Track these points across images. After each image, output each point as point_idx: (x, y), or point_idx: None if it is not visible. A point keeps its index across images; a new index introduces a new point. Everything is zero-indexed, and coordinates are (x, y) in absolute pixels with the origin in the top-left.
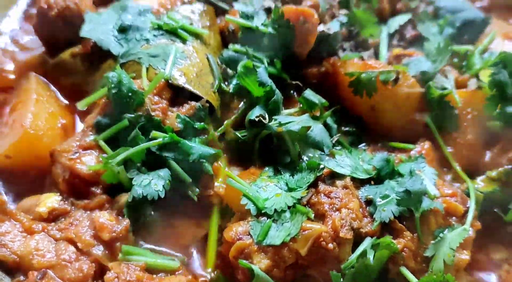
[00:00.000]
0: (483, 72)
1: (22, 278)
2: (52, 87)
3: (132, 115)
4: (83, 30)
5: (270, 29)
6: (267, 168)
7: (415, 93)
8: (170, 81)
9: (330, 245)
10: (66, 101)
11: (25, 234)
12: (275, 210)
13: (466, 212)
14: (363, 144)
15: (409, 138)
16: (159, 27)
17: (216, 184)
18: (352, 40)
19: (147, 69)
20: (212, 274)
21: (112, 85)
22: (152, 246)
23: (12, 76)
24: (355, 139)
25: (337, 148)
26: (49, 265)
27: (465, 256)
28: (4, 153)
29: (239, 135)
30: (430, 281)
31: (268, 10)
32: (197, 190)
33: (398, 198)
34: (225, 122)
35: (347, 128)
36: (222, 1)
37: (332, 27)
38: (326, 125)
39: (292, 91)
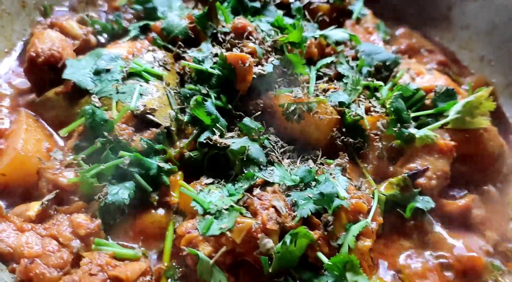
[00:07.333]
0: (387, 101)
1: (15, 265)
2: (40, 119)
3: (104, 139)
4: (65, 73)
5: (217, 71)
6: (214, 180)
7: (333, 119)
8: (134, 112)
9: (260, 235)
10: (50, 130)
11: (17, 232)
12: (217, 209)
13: (371, 209)
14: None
15: (333, 153)
16: (127, 70)
17: (172, 193)
18: (285, 78)
19: (116, 103)
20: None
21: (88, 116)
22: (119, 242)
23: (6, 111)
24: (291, 155)
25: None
26: (36, 255)
27: (367, 242)
28: (0, 171)
29: (192, 155)
30: (338, 260)
31: (215, 56)
32: (157, 197)
33: (315, 198)
34: (181, 145)
35: (284, 147)
36: (178, 49)
37: (267, 68)
38: (263, 146)
39: (237, 120)
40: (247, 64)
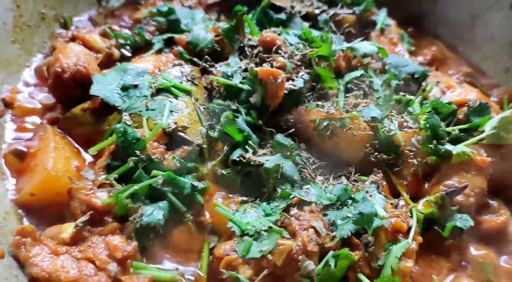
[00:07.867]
0: (422, 116)
1: None
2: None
3: (136, 158)
4: (92, 90)
5: (246, 86)
6: (247, 198)
7: (366, 135)
8: (166, 130)
9: (300, 257)
10: (78, 147)
11: (52, 255)
12: (255, 230)
13: (410, 229)
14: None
15: (366, 169)
16: (156, 86)
17: (206, 212)
18: (315, 92)
19: (147, 120)
20: None
21: (120, 135)
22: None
23: (31, 127)
24: (323, 172)
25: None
26: (73, 279)
27: (409, 263)
28: (30, 191)
29: (224, 173)
30: None
31: (244, 70)
32: (191, 217)
33: (354, 219)
34: (213, 162)
35: (316, 164)
36: (205, 63)
37: (297, 83)
38: (296, 162)
39: (267, 136)
40: (279, 80)
